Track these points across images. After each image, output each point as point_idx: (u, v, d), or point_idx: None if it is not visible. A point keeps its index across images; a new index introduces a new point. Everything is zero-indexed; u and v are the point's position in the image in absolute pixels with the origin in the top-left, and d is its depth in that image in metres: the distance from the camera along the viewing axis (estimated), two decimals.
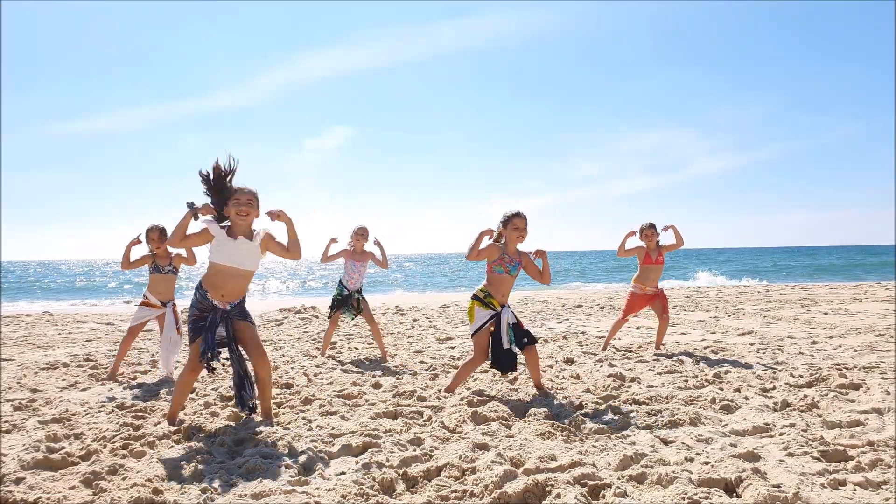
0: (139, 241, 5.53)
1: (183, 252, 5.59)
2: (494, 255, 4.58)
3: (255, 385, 3.92)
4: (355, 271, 6.55)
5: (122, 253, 5.47)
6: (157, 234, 5.56)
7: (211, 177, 3.75)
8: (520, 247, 4.68)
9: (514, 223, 4.57)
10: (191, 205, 3.68)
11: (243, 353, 3.91)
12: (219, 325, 3.78)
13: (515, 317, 4.63)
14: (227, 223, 3.80)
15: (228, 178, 3.79)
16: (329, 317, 6.65)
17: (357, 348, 7.24)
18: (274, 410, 4.18)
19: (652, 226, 6.62)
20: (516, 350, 4.55)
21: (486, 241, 4.60)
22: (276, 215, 3.84)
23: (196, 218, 3.70)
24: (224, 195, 3.78)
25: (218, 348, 3.77)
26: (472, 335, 4.56)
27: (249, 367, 3.95)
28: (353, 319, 6.84)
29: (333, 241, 6.55)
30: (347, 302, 6.54)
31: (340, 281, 6.62)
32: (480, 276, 40.27)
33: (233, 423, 3.85)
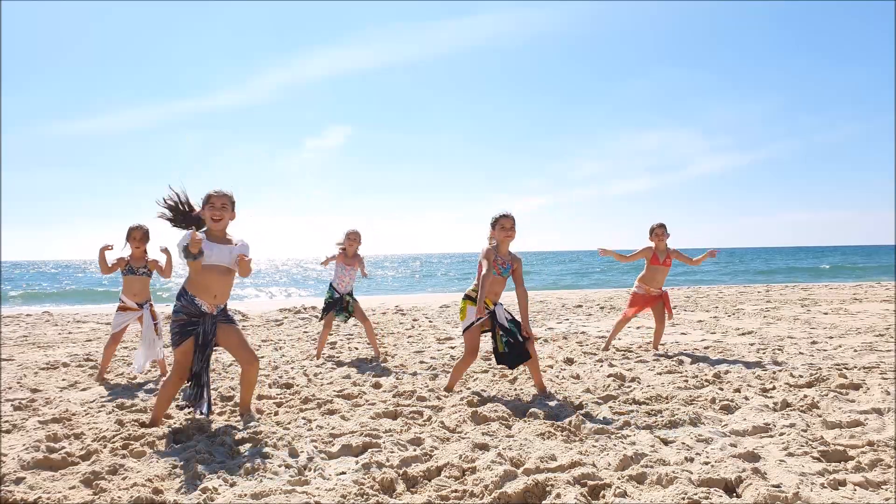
0: (110, 248, 5.37)
1: (161, 261, 5.53)
2: (490, 258, 4.54)
3: (207, 396, 3.88)
4: (346, 274, 6.59)
5: (98, 260, 5.37)
6: (139, 234, 5.45)
7: (172, 214, 3.89)
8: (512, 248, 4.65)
9: (501, 223, 4.57)
10: (186, 252, 3.62)
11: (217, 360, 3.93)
12: (211, 342, 3.81)
13: (510, 314, 4.62)
14: (205, 228, 3.85)
15: (185, 207, 3.90)
16: (321, 319, 6.70)
17: (357, 348, 7.25)
18: (274, 410, 4.21)
19: (662, 226, 6.55)
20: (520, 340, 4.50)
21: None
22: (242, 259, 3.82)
23: (199, 256, 3.65)
24: (191, 219, 3.89)
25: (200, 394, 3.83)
26: (464, 332, 4.57)
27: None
28: (345, 321, 6.91)
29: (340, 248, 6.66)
30: (339, 304, 6.59)
31: (331, 284, 6.67)
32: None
33: (233, 424, 3.85)
